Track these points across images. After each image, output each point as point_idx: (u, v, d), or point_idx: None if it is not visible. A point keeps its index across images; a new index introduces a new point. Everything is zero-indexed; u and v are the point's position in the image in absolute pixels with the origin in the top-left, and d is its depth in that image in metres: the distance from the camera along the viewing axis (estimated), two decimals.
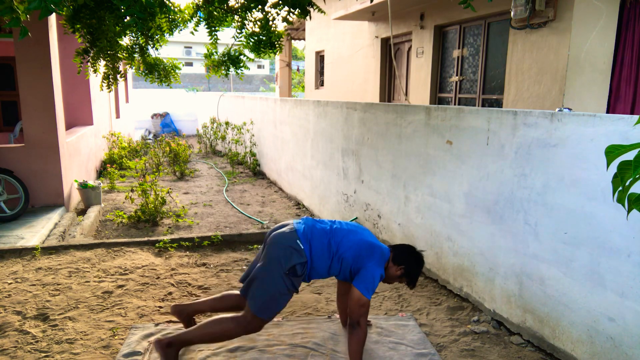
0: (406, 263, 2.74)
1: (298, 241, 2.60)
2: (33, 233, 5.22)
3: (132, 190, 6.39)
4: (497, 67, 6.64)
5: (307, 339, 3.02)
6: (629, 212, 1.21)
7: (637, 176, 1.14)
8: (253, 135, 9.97)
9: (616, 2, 5.22)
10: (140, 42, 5.60)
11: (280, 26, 10.55)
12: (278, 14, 4.99)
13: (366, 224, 5.14)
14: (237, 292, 2.88)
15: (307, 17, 4.44)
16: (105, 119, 10.68)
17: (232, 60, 5.64)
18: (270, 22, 5.01)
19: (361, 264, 2.62)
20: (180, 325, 3.19)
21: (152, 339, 3.01)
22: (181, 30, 5.57)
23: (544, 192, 2.87)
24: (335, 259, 2.66)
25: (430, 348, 2.95)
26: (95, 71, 5.48)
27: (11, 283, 3.84)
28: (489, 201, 3.31)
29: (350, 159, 5.40)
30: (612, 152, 1.23)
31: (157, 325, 3.20)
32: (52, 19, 6.17)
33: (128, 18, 4.31)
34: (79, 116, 9.02)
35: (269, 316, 2.63)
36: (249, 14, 5.04)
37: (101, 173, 9.45)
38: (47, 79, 6.03)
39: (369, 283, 2.57)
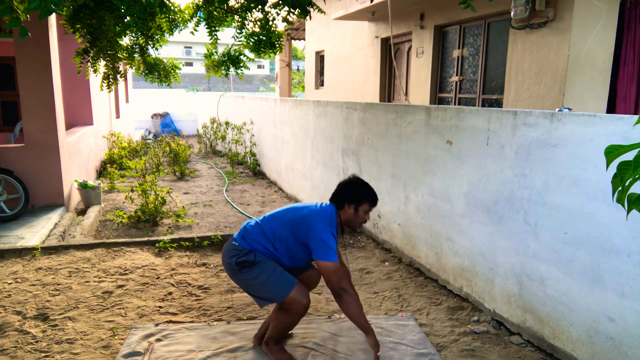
0: (350, 199, 2.66)
1: (233, 242, 2.71)
2: (33, 233, 5.22)
3: (132, 190, 6.39)
4: (497, 67, 6.64)
5: (307, 339, 3.02)
6: (628, 212, 1.21)
7: (636, 176, 1.14)
8: (253, 135, 9.97)
9: (616, 2, 5.23)
10: (140, 42, 5.60)
11: (280, 26, 10.55)
12: (278, 14, 4.99)
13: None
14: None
15: (307, 17, 4.44)
16: (105, 119, 10.68)
17: (232, 60, 5.65)
18: (270, 22, 5.01)
19: (306, 240, 2.62)
20: (181, 325, 3.20)
21: (152, 339, 3.01)
22: (181, 30, 5.58)
23: (544, 192, 2.87)
24: (276, 242, 2.67)
25: (430, 348, 2.95)
26: (95, 71, 5.48)
27: (11, 283, 3.84)
28: (489, 201, 3.31)
29: (350, 159, 5.40)
30: (611, 152, 1.23)
31: (157, 325, 3.20)
32: (52, 19, 6.17)
33: (128, 18, 4.30)
34: (79, 116, 9.02)
35: (286, 294, 2.62)
36: (249, 14, 5.04)
37: (101, 173, 9.45)
38: (47, 79, 6.03)
39: (323, 247, 2.55)
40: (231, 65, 5.68)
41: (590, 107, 5.36)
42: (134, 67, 6.13)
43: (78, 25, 4.82)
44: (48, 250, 4.52)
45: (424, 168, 4.06)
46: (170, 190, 6.70)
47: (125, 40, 5.71)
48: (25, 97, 6.02)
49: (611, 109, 5.46)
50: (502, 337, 3.14)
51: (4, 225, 5.50)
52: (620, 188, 1.19)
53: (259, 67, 45.11)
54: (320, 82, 13.56)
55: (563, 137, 2.74)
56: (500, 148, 3.20)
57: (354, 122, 5.28)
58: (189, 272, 4.16)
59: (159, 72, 5.98)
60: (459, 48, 7.43)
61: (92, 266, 4.19)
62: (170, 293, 3.75)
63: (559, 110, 2.90)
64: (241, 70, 5.71)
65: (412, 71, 8.63)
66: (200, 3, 5.29)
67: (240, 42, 5.36)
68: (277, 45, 5.27)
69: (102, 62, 5.56)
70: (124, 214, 6.14)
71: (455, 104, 7.59)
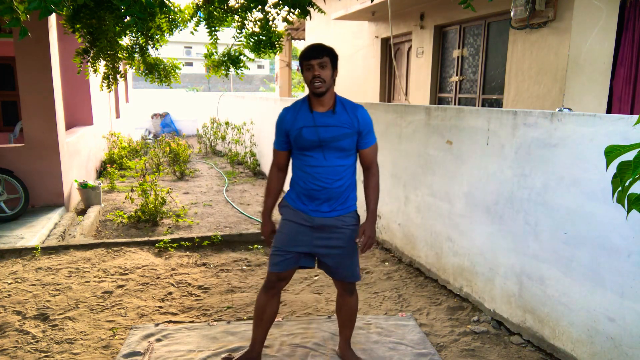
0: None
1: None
2: (33, 233, 5.22)
3: (132, 190, 6.39)
4: (497, 67, 6.63)
5: (307, 339, 3.02)
6: (628, 212, 1.21)
7: (636, 176, 1.14)
8: (253, 135, 9.97)
9: (616, 2, 5.22)
10: (140, 42, 5.59)
11: (280, 26, 10.54)
12: (278, 14, 4.98)
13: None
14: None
15: (307, 17, 4.43)
16: (105, 119, 10.68)
17: (232, 60, 5.64)
18: (270, 22, 5.01)
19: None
20: (181, 325, 3.20)
21: (152, 339, 3.01)
22: (181, 30, 5.57)
23: (544, 192, 2.87)
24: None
25: (430, 348, 2.95)
26: (95, 71, 5.48)
27: (11, 283, 3.84)
28: (489, 201, 3.31)
29: None
30: (611, 152, 1.23)
31: (157, 325, 3.20)
32: (52, 19, 6.17)
33: (128, 18, 4.31)
34: (79, 116, 9.02)
35: (271, 266, 2.59)
36: (249, 14, 5.03)
37: (101, 173, 9.45)
38: (47, 79, 6.03)
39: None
40: (231, 65, 5.67)
41: (590, 107, 5.36)
42: (134, 67, 6.12)
43: (78, 25, 4.81)
44: (48, 250, 4.52)
45: (424, 168, 4.05)
46: (170, 190, 6.70)
47: (125, 40, 5.70)
48: (25, 97, 6.02)
49: (607, 109, 5.46)
50: (502, 337, 3.14)
51: (4, 225, 5.50)
52: (620, 188, 1.19)
53: (259, 67, 45.10)
54: None
55: (563, 137, 2.73)
56: (500, 148, 3.20)
57: None
58: (189, 272, 4.16)
59: (159, 72, 5.97)
60: (459, 48, 7.43)
61: (92, 266, 4.19)
62: (170, 293, 3.75)
63: (559, 110, 2.90)
64: (241, 70, 5.70)
65: (412, 71, 8.63)
66: (200, 3, 5.28)
67: (240, 42, 5.35)
68: (277, 45, 5.26)
69: (102, 62, 5.55)
70: (124, 214, 6.14)
71: (455, 104, 7.58)
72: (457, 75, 7.50)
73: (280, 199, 2.70)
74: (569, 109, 4.17)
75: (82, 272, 4.07)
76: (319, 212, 2.50)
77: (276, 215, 2.71)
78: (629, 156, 1.19)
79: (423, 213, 4.10)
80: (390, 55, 9.32)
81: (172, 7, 5.01)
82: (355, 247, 2.60)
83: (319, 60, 2.42)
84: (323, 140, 2.44)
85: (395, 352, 2.91)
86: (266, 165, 9.28)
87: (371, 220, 2.57)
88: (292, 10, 4.36)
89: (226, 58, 5.67)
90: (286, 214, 2.61)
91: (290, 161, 2.66)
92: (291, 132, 2.50)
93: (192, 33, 5.38)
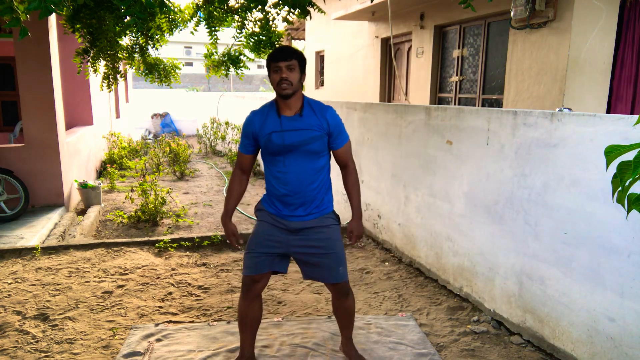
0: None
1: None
2: (33, 233, 5.22)
3: (132, 190, 6.39)
4: (497, 67, 6.63)
5: (307, 339, 3.02)
6: (628, 212, 1.21)
7: (636, 176, 1.14)
8: None
9: (616, 2, 5.22)
10: (140, 42, 5.59)
11: (280, 26, 10.55)
12: (278, 14, 4.99)
13: (366, 224, 5.14)
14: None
15: (307, 17, 4.43)
16: (105, 119, 10.68)
17: (232, 60, 5.64)
18: (270, 22, 5.01)
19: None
20: (181, 325, 3.20)
21: (152, 339, 3.01)
22: (181, 30, 5.57)
23: (543, 192, 2.87)
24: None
25: (430, 348, 2.95)
26: (95, 71, 5.48)
27: (11, 283, 3.84)
28: (489, 201, 3.31)
29: None
30: (611, 152, 1.23)
31: (157, 325, 3.20)
32: (52, 19, 6.17)
33: (128, 18, 4.31)
34: (79, 116, 9.02)
35: (244, 269, 2.56)
36: (249, 14, 5.04)
37: (101, 173, 9.45)
38: (47, 79, 6.03)
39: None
40: (231, 65, 5.67)
41: (590, 107, 5.36)
42: (134, 67, 6.12)
43: (78, 25, 4.81)
44: (48, 250, 4.52)
45: (424, 168, 4.05)
46: (170, 190, 6.70)
47: (125, 40, 5.70)
48: (25, 97, 6.02)
49: (607, 109, 5.47)
50: (502, 337, 3.14)
51: (4, 225, 5.50)
52: (620, 188, 1.19)
53: (259, 67, 45.00)
54: (320, 82, 13.56)
55: (563, 137, 2.73)
56: (500, 148, 3.20)
57: (354, 122, 5.27)
58: (189, 272, 4.16)
59: (159, 72, 5.97)
60: (459, 48, 7.43)
61: (92, 266, 4.19)
62: (170, 293, 3.75)
63: (559, 110, 2.90)
64: (241, 70, 5.70)
65: (412, 71, 8.63)
66: (200, 3, 5.28)
67: (240, 42, 5.36)
68: (277, 45, 5.26)
69: (102, 62, 5.56)
70: (124, 214, 6.14)
71: (455, 104, 7.59)
72: (457, 75, 7.50)
73: (257, 202, 2.70)
74: (569, 109, 4.17)
75: (82, 272, 4.07)
76: (294, 216, 2.48)
77: (247, 218, 2.70)
78: (629, 156, 1.19)
79: (423, 213, 4.10)
80: (390, 55, 9.32)
81: (172, 7, 5.02)
82: (338, 246, 2.55)
83: (287, 62, 2.35)
84: (292, 144, 2.41)
85: (395, 352, 2.91)
86: None
87: (357, 217, 2.60)
88: (292, 10, 4.36)
89: (226, 58, 5.67)
90: (262, 216, 2.58)
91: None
92: (260, 137, 2.46)
93: (192, 33, 5.38)
